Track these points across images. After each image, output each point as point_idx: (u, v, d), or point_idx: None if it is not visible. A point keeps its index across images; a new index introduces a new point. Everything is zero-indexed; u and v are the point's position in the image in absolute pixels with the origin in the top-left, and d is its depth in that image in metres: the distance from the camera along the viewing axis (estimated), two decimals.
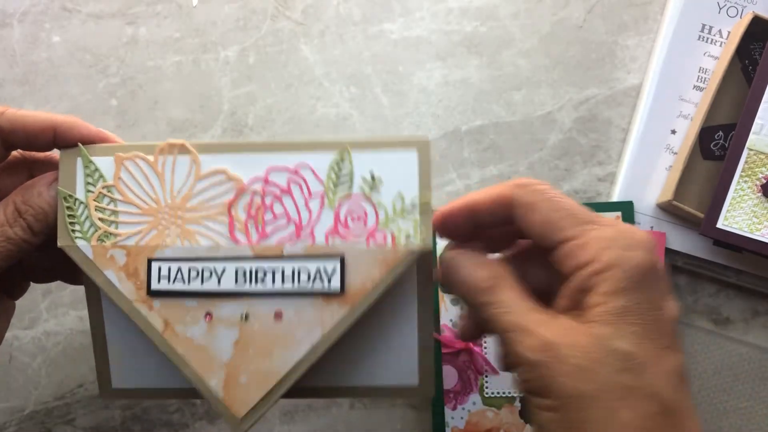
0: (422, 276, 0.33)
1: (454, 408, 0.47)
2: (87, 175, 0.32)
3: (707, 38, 0.49)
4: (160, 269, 0.31)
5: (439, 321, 0.47)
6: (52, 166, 0.34)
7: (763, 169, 0.45)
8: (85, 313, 0.49)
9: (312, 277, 0.31)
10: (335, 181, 0.31)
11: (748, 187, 0.45)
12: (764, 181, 0.45)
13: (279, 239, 0.31)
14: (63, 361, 0.49)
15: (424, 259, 0.32)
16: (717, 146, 0.48)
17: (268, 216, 0.31)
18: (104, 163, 0.32)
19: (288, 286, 0.31)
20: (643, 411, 0.25)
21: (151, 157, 0.32)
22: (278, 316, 0.31)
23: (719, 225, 0.45)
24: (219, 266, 0.31)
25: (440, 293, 0.47)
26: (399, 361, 0.33)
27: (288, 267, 0.31)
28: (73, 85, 0.51)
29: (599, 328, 0.26)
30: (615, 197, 0.49)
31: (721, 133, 0.48)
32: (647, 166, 0.48)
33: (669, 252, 0.48)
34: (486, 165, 0.50)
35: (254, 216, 0.31)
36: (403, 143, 0.31)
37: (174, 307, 0.31)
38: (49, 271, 0.37)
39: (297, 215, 0.31)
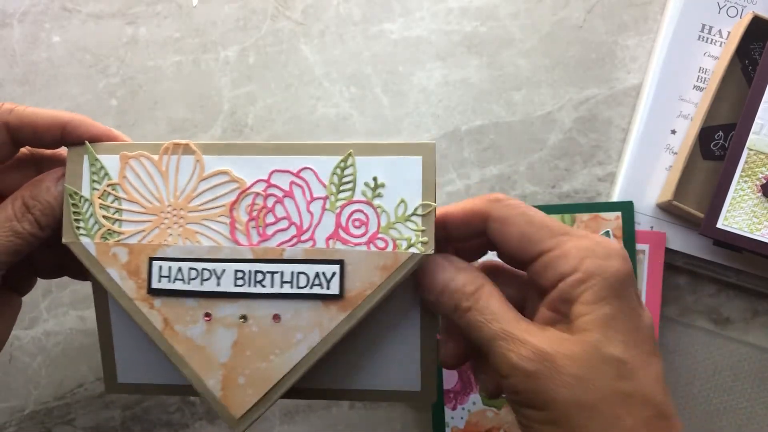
0: None
1: (454, 408, 0.47)
2: (93, 173, 0.32)
3: (707, 38, 0.49)
4: (161, 268, 0.31)
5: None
6: (59, 162, 0.34)
7: (763, 169, 0.45)
8: (85, 313, 0.49)
9: (311, 281, 0.31)
10: (338, 185, 0.31)
11: (748, 187, 0.45)
12: (764, 181, 0.45)
13: (280, 242, 0.31)
14: (63, 361, 0.49)
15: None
16: (717, 146, 0.48)
17: (270, 218, 0.31)
18: (110, 162, 0.32)
19: (287, 288, 0.31)
20: (642, 416, 0.25)
21: (155, 157, 0.32)
22: (277, 318, 0.31)
23: (719, 225, 0.45)
24: (219, 267, 0.31)
25: None
26: (401, 366, 0.33)
27: (288, 270, 0.31)
28: (73, 85, 0.51)
29: (590, 336, 0.26)
30: (615, 197, 0.49)
31: (721, 133, 0.48)
32: (647, 166, 0.48)
33: (669, 252, 0.48)
34: (486, 165, 0.50)
35: (255, 218, 0.31)
36: (408, 149, 0.31)
37: (174, 306, 0.31)
38: (56, 266, 0.37)
39: (298, 218, 0.31)
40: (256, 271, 0.31)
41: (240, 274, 0.31)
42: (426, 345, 0.33)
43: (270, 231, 0.31)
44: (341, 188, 0.31)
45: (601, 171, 0.50)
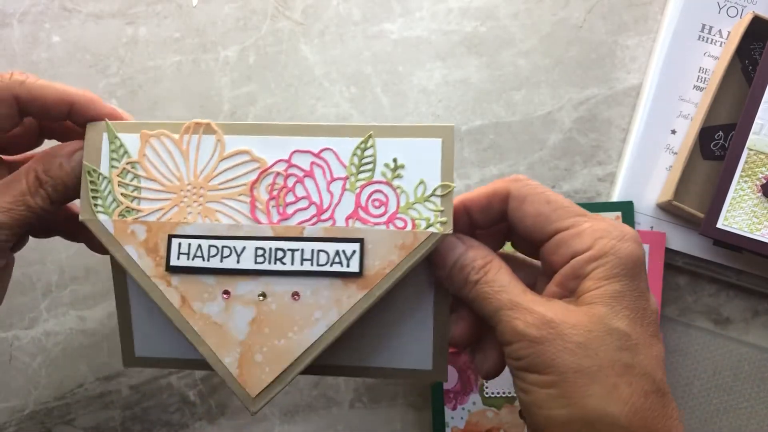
0: None
1: (454, 408, 0.47)
2: (112, 151, 0.32)
3: (707, 38, 0.49)
4: (180, 245, 0.31)
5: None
6: (65, 131, 0.35)
7: (763, 169, 0.45)
8: (85, 313, 0.49)
9: (331, 258, 0.31)
10: (358, 165, 0.31)
11: (748, 187, 0.45)
12: (764, 181, 0.45)
13: (300, 220, 0.31)
14: (63, 361, 0.49)
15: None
16: (717, 146, 0.48)
17: (290, 197, 0.31)
18: (129, 140, 0.32)
19: (307, 266, 0.31)
20: (640, 388, 0.26)
21: (176, 136, 0.32)
22: (296, 295, 0.31)
23: (719, 225, 0.45)
24: (239, 245, 0.31)
25: None
26: (414, 344, 0.34)
27: (308, 247, 0.31)
28: (73, 85, 0.51)
29: (598, 309, 0.27)
30: (615, 197, 0.49)
31: (721, 133, 0.48)
32: (647, 166, 0.48)
33: (669, 252, 0.48)
34: (486, 165, 0.50)
35: (276, 196, 0.32)
36: (428, 131, 0.31)
37: (192, 283, 0.31)
38: (49, 227, 0.37)
39: (318, 198, 0.31)
40: (277, 249, 0.31)
41: (260, 252, 0.31)
42: (439, 324, 0.33)
43: (290, 210, 0.31)
44: (361, 169, 0.31)
45: (601, 171, 0.50)
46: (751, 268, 0.48)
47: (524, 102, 0.51)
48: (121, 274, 0.34)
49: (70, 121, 0.33)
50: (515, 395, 0.47)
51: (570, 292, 0.29)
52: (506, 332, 0.28)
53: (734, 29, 0.48)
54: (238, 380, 0.31)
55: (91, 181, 0.32)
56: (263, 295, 0.31)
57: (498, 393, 0.47)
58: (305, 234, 0.31)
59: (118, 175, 0.32)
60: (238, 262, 0.31)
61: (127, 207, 0.32)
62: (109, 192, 0.32)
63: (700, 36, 0.49)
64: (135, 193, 0.32)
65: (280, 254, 0.31)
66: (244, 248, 0.31)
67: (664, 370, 0.28)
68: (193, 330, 0.31)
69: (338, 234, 0.31)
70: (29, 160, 0.33)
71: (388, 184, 0.31)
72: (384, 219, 0.31)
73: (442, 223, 0.31)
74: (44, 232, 0.38)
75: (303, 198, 0.31)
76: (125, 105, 0.51)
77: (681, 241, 0.48)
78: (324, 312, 0.31)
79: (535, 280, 0.32)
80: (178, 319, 0.31)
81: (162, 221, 0.32)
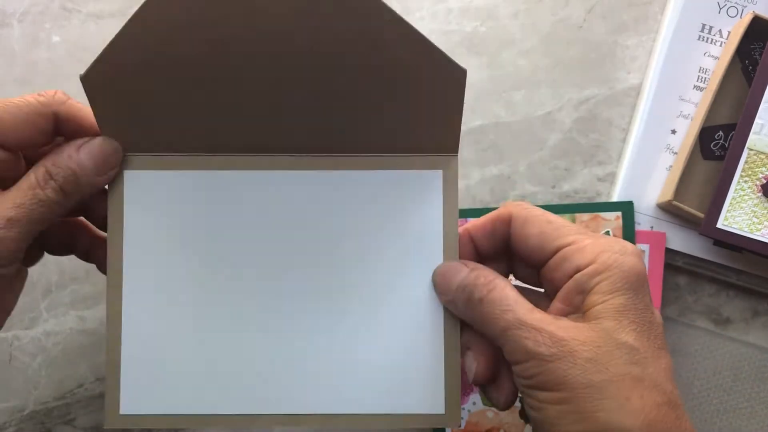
0: None
1: None
2: None
3: (707, 38, 0.49)
4: None
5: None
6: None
7: (763, 169, 0.45)
8: (85, 313, 0.49)
9: None
10: None
11: (748, 187, 0.45)
12: (764, 181, 0.45)
13: None
14: (63, 361, 0.49)
15: None
16: (717, 146, 0.48)
17: None
18: None
19: None
20: (652, 400, 0.26)
21: None
22: None
23: (719, 225, 0.45)
24: None
25: None
26: (424, 388, 0.32)
27: None
28: (73, 85, 0.51)
29: (605, 323, 0.27)
30: (615, 197, 0.49)
31: (721, 133, 0.48)
32: (647, 166, 0.48)
33: (669, 252, 0.48)
34: (486, 165, 0.50)
35: None
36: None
37: None
38: (64, 244, 0.37)
39: None
40: None
41: None
42: (450, 365, 0.32)
43: None
44: None
45: (601, 171, 0.50)
46: (751, 268, 0.48)
47: (524, 102, 0.51)
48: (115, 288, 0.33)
49: None
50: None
51: (575, 308, 0.29)
52: (516, 352, 0.28)
53: (734, 29, 0.48)
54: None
55: None
56: None
57: None
58: None
59: None
60: None
61: None
62: None
63: (700, 36, 0.49)
64: None
65: None
66: None
67: (674, 383, 0.28)
68: None
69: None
70: None
71: None
72: None
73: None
74: (60, 248, 0.37)
75: None
76: None
77: (681, 241, 0.48)
78: None
79: (538, 305, 0.32)
80: None
81: None
